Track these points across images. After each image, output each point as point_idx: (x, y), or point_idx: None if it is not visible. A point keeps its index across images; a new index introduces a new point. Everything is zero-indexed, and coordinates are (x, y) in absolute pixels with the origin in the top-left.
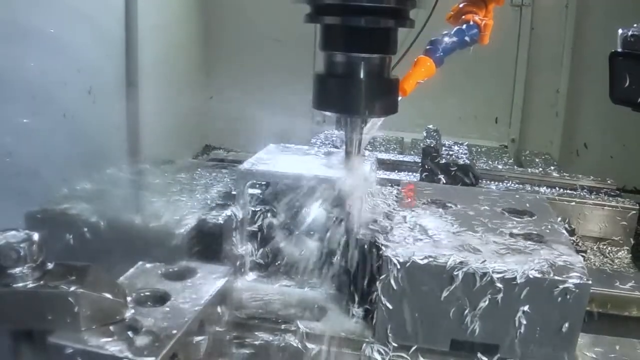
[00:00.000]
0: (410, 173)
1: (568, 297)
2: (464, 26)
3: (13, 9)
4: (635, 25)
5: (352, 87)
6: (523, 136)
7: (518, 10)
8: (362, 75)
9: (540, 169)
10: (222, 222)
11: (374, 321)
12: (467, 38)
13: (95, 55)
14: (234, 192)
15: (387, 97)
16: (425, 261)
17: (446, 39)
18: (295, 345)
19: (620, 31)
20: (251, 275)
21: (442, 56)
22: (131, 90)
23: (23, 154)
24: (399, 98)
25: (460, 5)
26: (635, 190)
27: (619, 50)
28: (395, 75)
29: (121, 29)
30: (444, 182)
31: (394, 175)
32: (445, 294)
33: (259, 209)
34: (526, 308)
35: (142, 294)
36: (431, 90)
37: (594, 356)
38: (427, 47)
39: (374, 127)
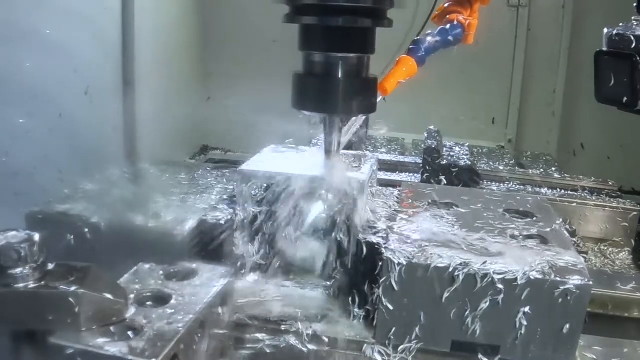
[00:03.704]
0: (411, 174)
1: (569, 298)
2: (448, 26)
3: (8, 9)
4: (620, 24)
5: (329, 87)
6: (520, 136)
7: (515, 10)
8: (339, 75)
9: (541, 170)
10: (222, 222)
11: (375, 322)
12: (450, 38)
13: (92, 56)
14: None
15: (364, 96)
16: (427, 262)
17: (429, 39)
18: (296, 346)
19: (605, 30)
20: (252, 276)
21: (424, 56)
22: (128, 91)
23: (19, 155)
24: (380, 97)
25: (446, 5)
26: (633, 191)
27: (604, 49)
28: (374, 74)
29: (118, 29)
30: (445, 183)
31: (395, 176)
32: (446, 295)
33: (259, 209)
34: (527, 309)
35: (142, 295)
36: (429, 90)
37: (595, 357)
38: (410, 46)
39: (354, 126)
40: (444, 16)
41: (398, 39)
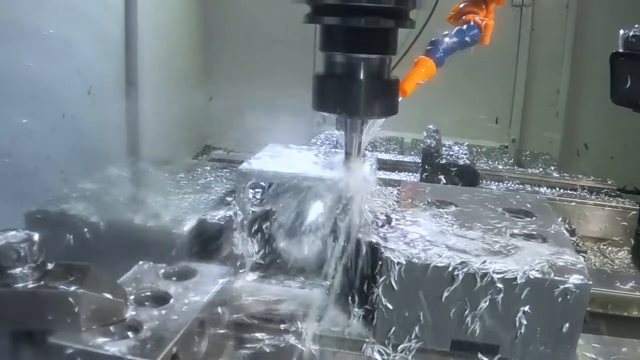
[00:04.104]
0: (410, 173)
1: (568, 297)
2: (465, 26)
3: (12, 9)
4: (636, 25)
5: (352, 88)
6: (523, 136)
7: (518, 10)
8: (361, 76)
9: (541, 169)
10: (222, 222)
11: (375, 321)
12: (467, 38)
13: (95, 56)
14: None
15: (386, 98)
16: (426, 262)
17: (447, 40)
18: (295, 345)
19: (621, 32)
20: (251, 276)
21: (442, 57)
22: (131, 91)
23: (22, 155)
24: (399, 99)
25: (461, 6)
26: (636, 190)
27: (620, 50)
28: (395, 76)
29: (121, 29)
30: (445, 182)
31: (394, 176)
32: (445, 294)
33: (259, 209)
34: (527, 308)
35: (142, 294)
36: (432, 90)
37: (594, 356)
38: (428, 47)
39: (373, 128)
40: (459, 17)
41: (399, 39)
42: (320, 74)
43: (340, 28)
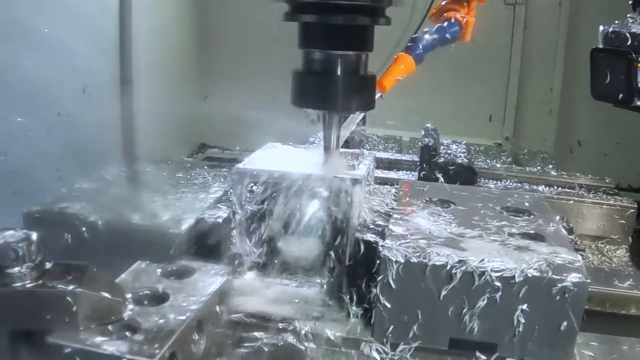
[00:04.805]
0: (408, 172)
1: (567, 295)
2: (445, 24)
3: (8, 8)
4: (616, 22)
5: (328, 84)
6: (517, 134)
7: (511, 8)
8: (338, 72)
9: (539, 168)
10: (220, 221)
11: (373, 320)
12: (448, 35)
13: (90, 55)
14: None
15: (363, 93)
16: (424, 260)
17: (427, 37)
18: (294, 344)
19: (601, 28)
20: (249, 275)
21: (422, 53)
22: (126, 89)
23: (18, 153)
24: (378, 95)
25: (443, 3)
26: (630, 187)
27: (600, 46)
28: (372, 72)
29: (116, 27)
30: (443, 181)
31: (392, 174)
32: (443, 293)
33: (256, 207)
34: (525, 307)
35: (140, 293)
36: (425, 88)
37: (592, 354)
38: (408, 44)
39: (352, 122)
40: (441, 14)
41: (395, 37)
42: (298, 71)
43: (317, 25)
